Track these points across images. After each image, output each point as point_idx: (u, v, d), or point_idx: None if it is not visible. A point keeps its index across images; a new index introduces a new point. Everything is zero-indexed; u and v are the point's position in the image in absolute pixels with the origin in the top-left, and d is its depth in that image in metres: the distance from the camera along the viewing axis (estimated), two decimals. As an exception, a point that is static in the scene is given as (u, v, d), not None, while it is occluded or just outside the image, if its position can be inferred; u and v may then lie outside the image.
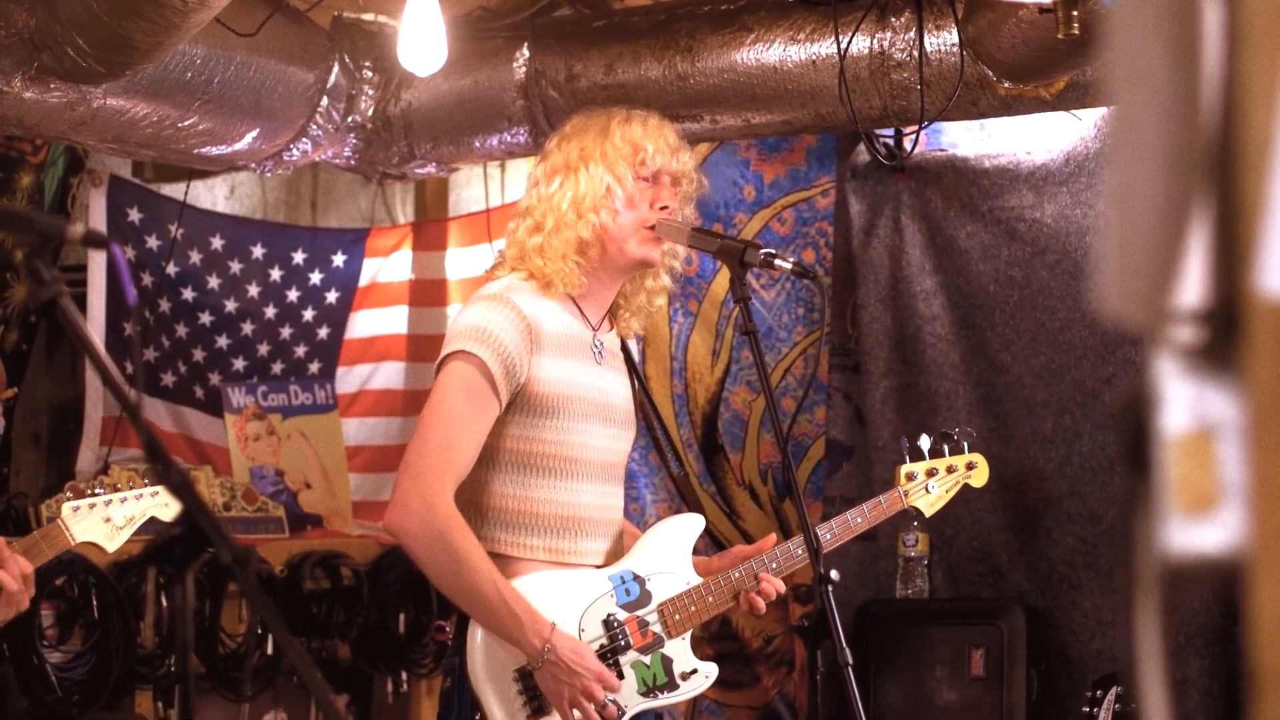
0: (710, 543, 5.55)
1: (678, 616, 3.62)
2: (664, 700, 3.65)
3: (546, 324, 3.52)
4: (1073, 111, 5.13)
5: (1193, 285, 1.13)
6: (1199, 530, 1.12)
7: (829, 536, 3.76)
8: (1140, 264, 1.12)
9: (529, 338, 3.48)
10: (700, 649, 3.73)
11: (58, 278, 2.38)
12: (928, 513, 4.04)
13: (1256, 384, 1.10)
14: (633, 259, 3.62)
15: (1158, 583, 1.14)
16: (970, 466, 4.08)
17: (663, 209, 3.61)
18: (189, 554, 2.23)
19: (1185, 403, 1.13)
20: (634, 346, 3.82)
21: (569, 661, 3.42)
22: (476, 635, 3.49)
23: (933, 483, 4.01)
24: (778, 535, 3.79)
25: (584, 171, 3.57)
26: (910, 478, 3.99)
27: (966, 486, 4.10)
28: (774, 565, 3.65)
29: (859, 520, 3.85)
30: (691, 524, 3.75)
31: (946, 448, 4.05)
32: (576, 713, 3.45)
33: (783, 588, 3.66)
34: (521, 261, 3.60)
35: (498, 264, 3.69)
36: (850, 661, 3.43)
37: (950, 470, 4.04)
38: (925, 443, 4.03)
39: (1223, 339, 1.13)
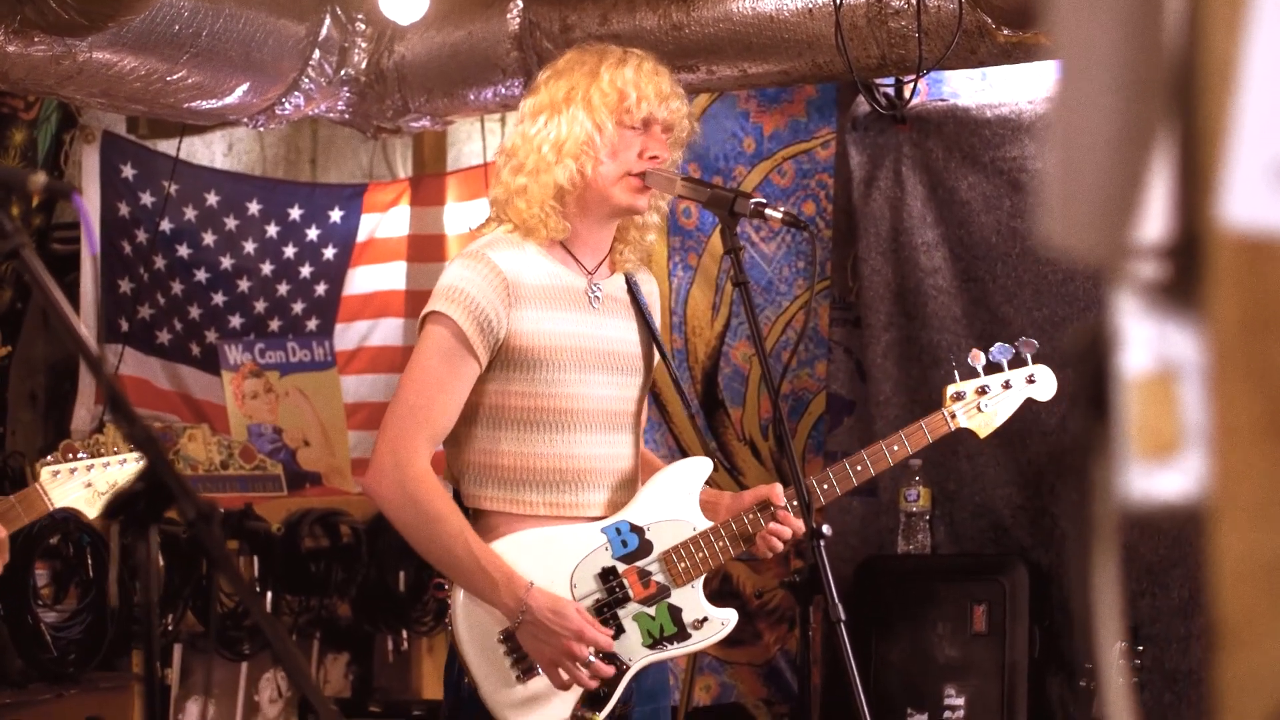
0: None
1: (683, 565, 3.54)
2: (675, 650, 3.57)
3: (527, 276, 3.44)
4: (1075, 59, 5.05)
5: (1154, 218, 1.07)
6: (1159, 475, 1.07)
7: (859, 468, 3.65)
8: (1094, 196, 1.06)
9: (505, 292, 3.41)
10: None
11: (20, 228, 2.33)
12: (982, 433, 3.78)
13: (1219, 321, 1.05)
14: (618, 207, 3.53)
15: (1116, 530, 1.09)
16: (1031, 380, 3.80)
17: (652, 158, 3.53)
18: (152, 510, 2.18)
19: (1146, 342, 1.08)
20: (646, 286, 3.69)
21: (546, 621, 3.36)
22: (459, 598, 3.43)
23: (986, 400, 3.76)
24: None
25: (566, 114, 3.48)
26: (958, 397, 3.75)
27: (1030, 401, 3.81)
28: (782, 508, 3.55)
29: (895, 447, 3.68)
30: (698, 468, 3.63)
31: (1005, 362, 3.78)
32: (562, 672, 3.38)
33: (801, 527, 3.48)
34: (506, 206, 3.53)
35: (487, 220, 3.62)
36: (843, 618, 3.36)
37: (1006, 386, 3.78)
38: (980, 359, 3.75)
39: (1185, 275, 1.07)
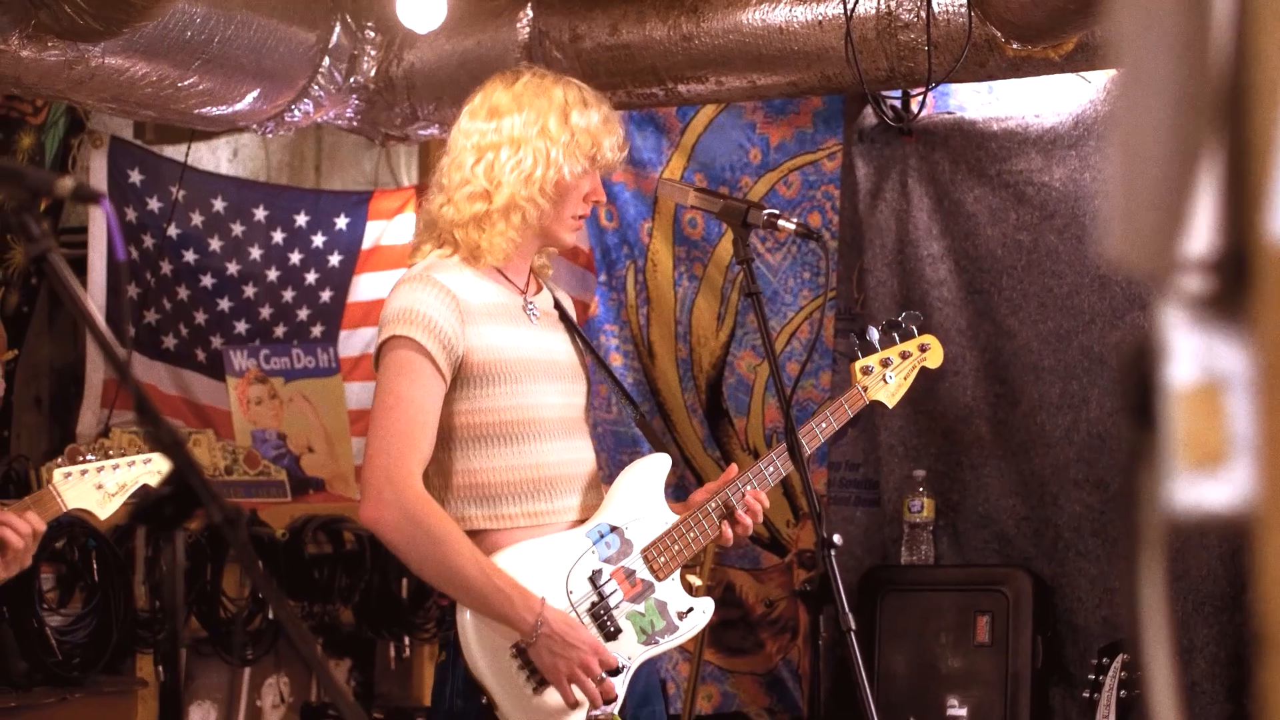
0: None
1: (662, 559, 3.61)
2: (666, 644, 3.63)
3: (472, 295, 3.49)
4: (1081, 73, 5.07)
5: (1202, 232, 1.09)
6: (1206, 487, 1.08)
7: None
8: (1147, 210, 1.08)
9: (458, 310, 3.44)
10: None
11: (47, 233, 2.34)
12: (889, 403, 3.99)
13: (1267, 335, 1.06)
14: (560, 242, 3.65)
15: (1163, 541, 1.11)
16: (923, 349, 4.04)
17: (596, 201, 3.61)
18: (179, 514, 2.20)
19: (1193, 354, 1.09)
20: (566, 304, 3.78)
21: (563, 634, 3.39)
22: (465, 618, 3.44)
23: (889, 373, 3.97)
24: (739, 467, 3.75)
25: (543, 153, 3.51)
26: (865, 371, 3.95)
27: (924, 369, 4.06)
28: (748, 488, 3.64)
29: (824, 425, 3.82)
30: (659, 464, 3.71)
31: (896, 335, 4.01)
32: (575, 688, 3.41)
33: (768, 502, 3.66)
34: (451, 229, 3.54)
35: (418, 246, 3.62)
36: (853, 627, 3.40)
37: (904, 356, 4.00)
38: (874, 334, 3.99)
39: (1232, 288, 1.09)
